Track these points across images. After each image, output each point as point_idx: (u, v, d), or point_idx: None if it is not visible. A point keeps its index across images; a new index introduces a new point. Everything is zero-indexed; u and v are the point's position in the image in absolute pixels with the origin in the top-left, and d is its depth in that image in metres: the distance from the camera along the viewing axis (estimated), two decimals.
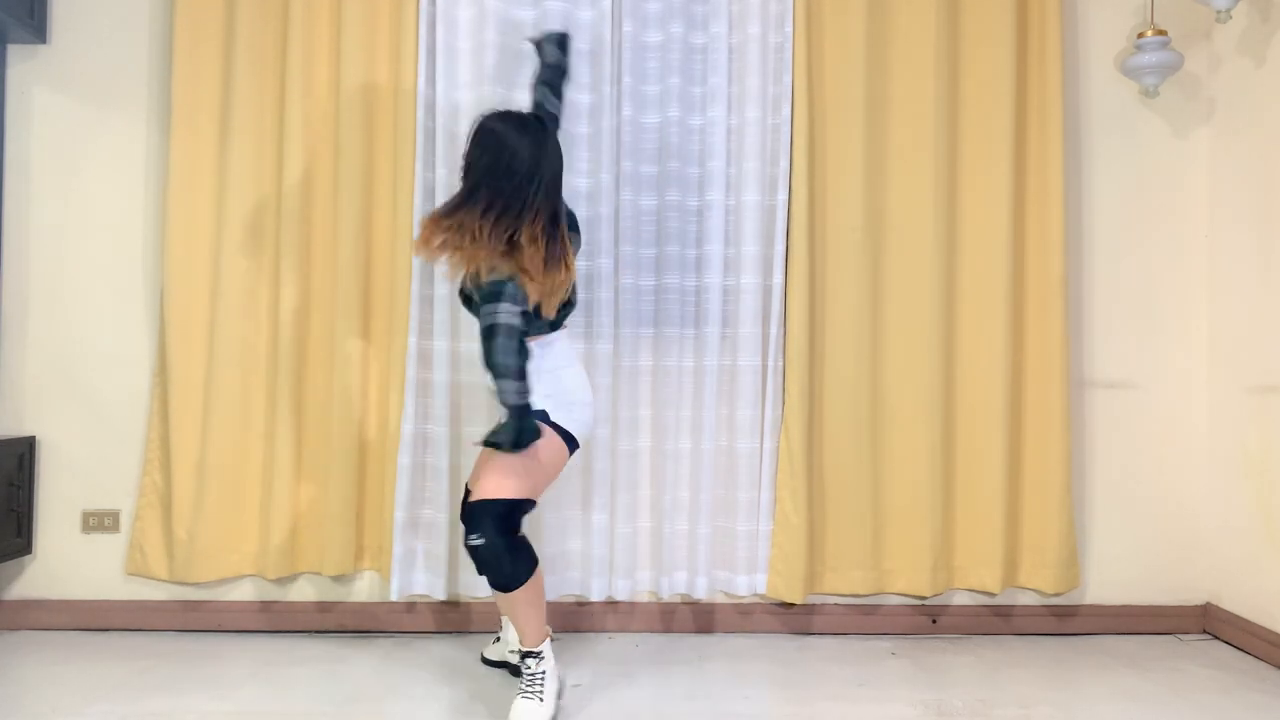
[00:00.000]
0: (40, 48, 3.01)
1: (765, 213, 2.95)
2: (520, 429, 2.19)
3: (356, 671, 2.64)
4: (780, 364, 2.94)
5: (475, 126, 2.30)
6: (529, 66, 2.96)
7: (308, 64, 2.92)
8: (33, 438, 2.98)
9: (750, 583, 2.93)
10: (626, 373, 2.96)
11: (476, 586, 2.90)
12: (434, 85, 2.93)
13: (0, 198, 2.99)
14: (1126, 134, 3.10)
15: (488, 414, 2.93)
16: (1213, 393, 3.06)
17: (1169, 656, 2.84)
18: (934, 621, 3.02)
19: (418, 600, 2.97)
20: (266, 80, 2.94)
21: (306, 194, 2.93)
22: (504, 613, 2.33)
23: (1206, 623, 3.05)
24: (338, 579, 2.98)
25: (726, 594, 3.01)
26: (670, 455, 2.95)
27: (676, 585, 2.95)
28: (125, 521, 2.99)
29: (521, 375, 2.20)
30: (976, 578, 2.97)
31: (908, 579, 2.95)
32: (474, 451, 2.90)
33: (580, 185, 2.94)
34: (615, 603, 2.98)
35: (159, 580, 2.94)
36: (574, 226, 2.46)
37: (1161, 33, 2.92)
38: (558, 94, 2.60)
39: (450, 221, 2.25)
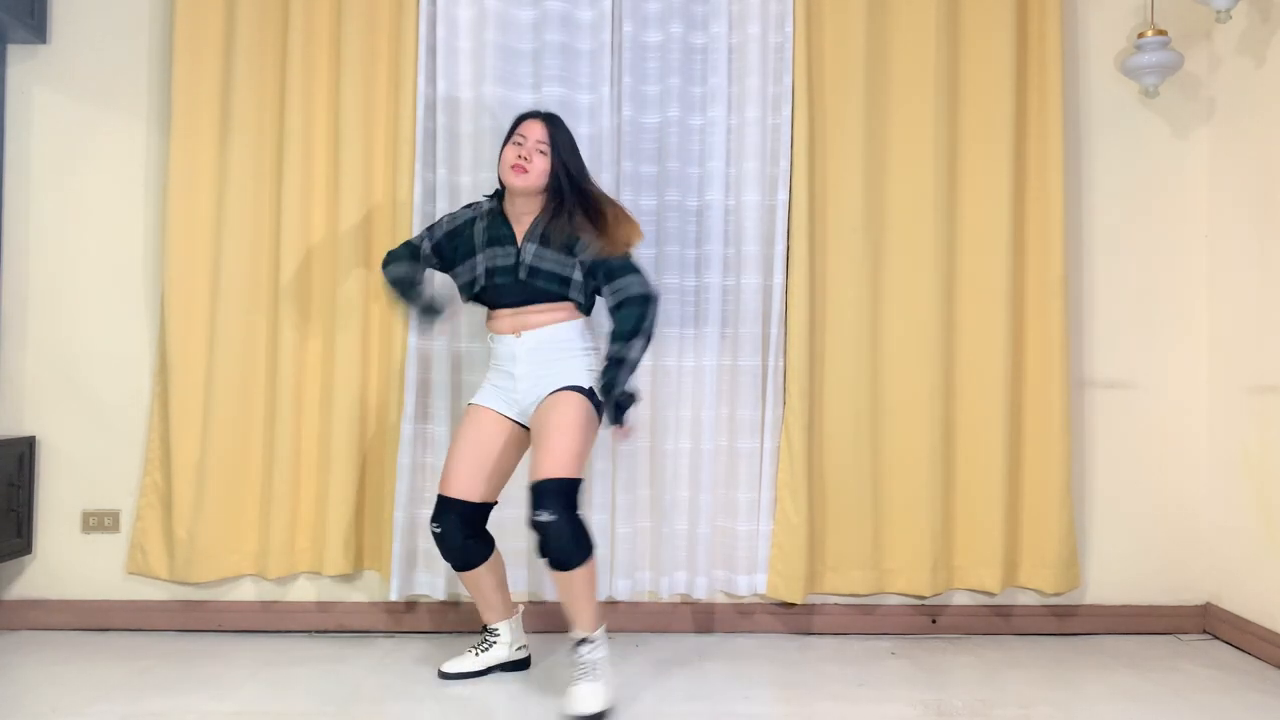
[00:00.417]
0: (40, 48, 3.01)
1: (765, 213, 2.96)
2: (633, 394, 2.43)
3: (356, 671, 2.64)
4: (780, 364, 2.94)
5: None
6: (528, 66, 2.97)
7: (308, 64, 2.92)
8: (33, 438, 2.98)
9: (750, 583, 2.93)
10: None
11: None
12: (434, 85, 2.93)
13: (0, 198, 2.99)
14: (1126, 134, 3.10)
15: None
16: (1213, 393, 3.06)
17: (1169, 656, 2.84)
18: (934, 621, 3.02)
19: (418, 600, 2.97)
20: (266, 80, 2.94)
21: (306, 194, 2.93)
22: (560, 597, 2.39)
23: (1206, 623, 3.05)
24: (338, 579, 2.98)
25: (727, 594, 3.01)
26: (670, 455, 2.95)
27: (676, 585, 2.96)
28: (125, 521, 2.99)
29: None
30: (976, 578, 2.97)
31: (908, 579, 2.95)
32: None
33: None
34: (615, 602, 2.98)
35: (160, 580, 2.94)
36: None
37: (1161, 33, 2.92)
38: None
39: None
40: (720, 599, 3.01)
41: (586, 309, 2.55)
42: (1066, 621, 3.04)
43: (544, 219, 2.48)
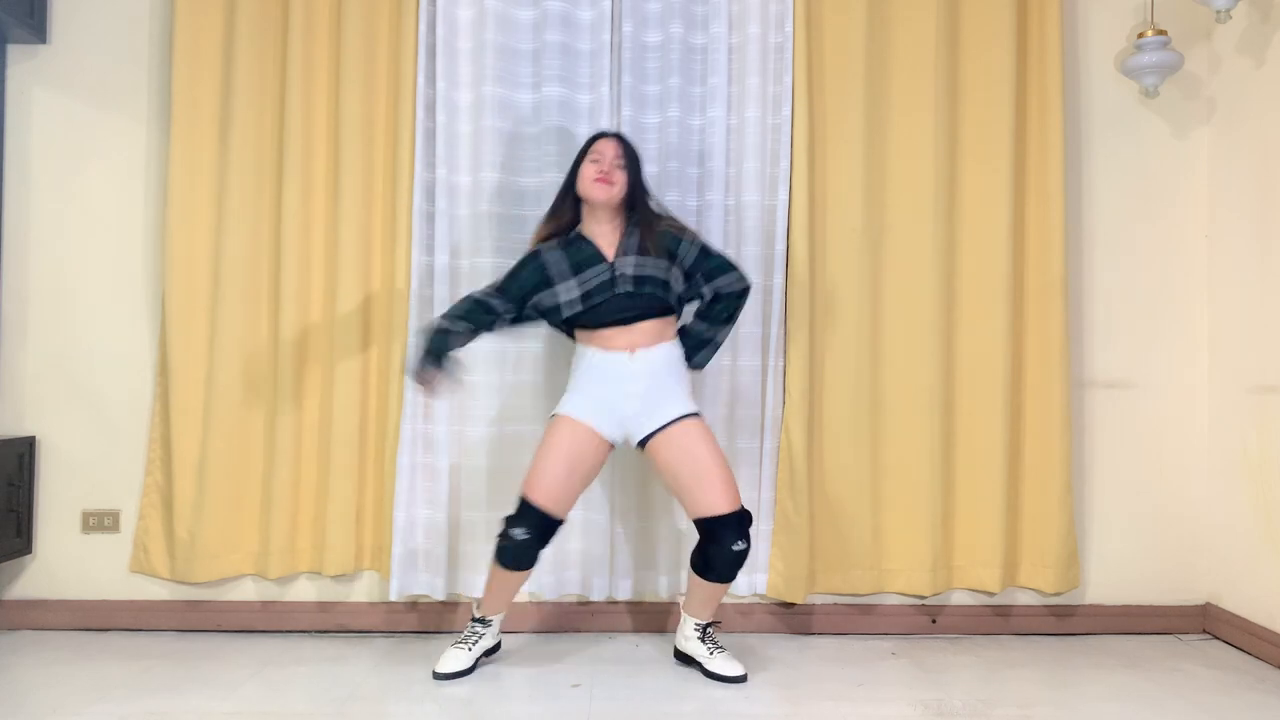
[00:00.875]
0: (40, 48, 3.01)
1: (765, 213, 2.95)
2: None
3: (356, 671, 2.64)
4: (780, 364, 2.94)
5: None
6: (528, 66, 2.97)
7: (308, 64, 2.92)
8: (33, 438, 2.98)
9: (750, 583, 2.93)
10: None
11: (476, 586, 2.90)
12: (434, 85, 2.93)
13: (0, 198, 2.99)
14: (1126, 134, 3.10)
15: (488, 414, 2.93)
16: (1213, 393, 3.06)
17: (1169, 656, 2.84)
18: (934, 621, 3.02)
19: (418, 600, 2.97)
20: (266, 80, 2.94)
21: (306, 194, 2.93)
22: (699, 594, 2.59)
23: (1206, 623, 3.05)
24: (338, 579, 2.98)
25: (727, 594, 3.00)
26: None
27: (677, 585, 2.96)
28: (125, 521, 2.99)
29: None
30: (976, 577, 2.97)
31: (907, 579, 2.95)
32: (474, 453, 2.91)
33: None
34: (615, 602, 2.98)
35: (161, 579, 2.94)
36: None
37: (1161, 33, 2.92)
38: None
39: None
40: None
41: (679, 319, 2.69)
42: (1066, 621, 3.04)
43: (636, 230, 2.58)
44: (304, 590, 2.99)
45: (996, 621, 3.04)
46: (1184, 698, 2.50)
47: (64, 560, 2.99)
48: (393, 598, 2.86)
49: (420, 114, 2.90)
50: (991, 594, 3.01)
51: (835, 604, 3.01)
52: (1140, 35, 2.94)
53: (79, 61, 3.02)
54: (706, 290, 2.63)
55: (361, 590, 3.00)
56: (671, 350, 2.60)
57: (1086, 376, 3.07)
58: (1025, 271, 3.00)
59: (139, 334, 3.00)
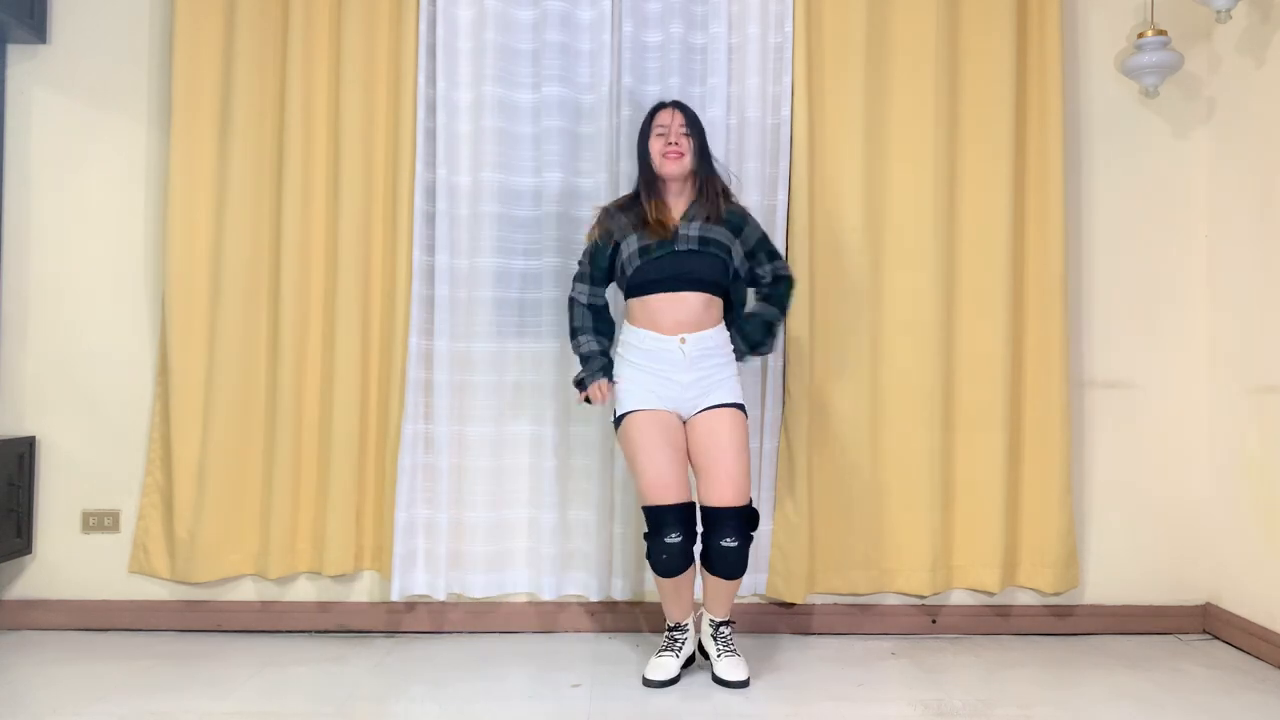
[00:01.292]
0: (40, 48, 3.01)
1: (765, 212, 2.95)
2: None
3: (356, 671, 2.64)
4: (781, 364, 2.94)
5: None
6: (528, 66, 2.97)
7: (308, 64, 2.92)
8: (33, 438, 2.98)
9: (750, 583, 2.93)
10: None
11: (476, 587, 2.90)
12: (434, 85, 2.93)
13: (0, 198, 2.99)
14: (1126, 134, 3.10)
15: (488, 414, 2.93)
16: (1213, 393, 3.06)
17: (1169, 656, 2.84)
18: (934, 621, 3.02)
19: (418, 600, 2.97)
20: (266, 80, 2.94)
21: (306, 194, 2.93)
22: (708, 591, 2.56)
23: (1206, 623, 3.05)
24: (338, 579, 2.98)
25: None
26: None
27: None
28: (125, 521, 2.99)
29: None
30: (976, 577, 2.97)
31: (907, 579, 2.95)
32: (474, 453, 2.91)
33: (581, 185, 2.94)
34: (615, 602, 2.98)
35: (161, 579, 2.94)
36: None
37: (1161, 33, 2.92)
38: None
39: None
40: None
41: (728, 304, 2.67)
42: (1066, 621, 3.04)
43: (702, 200, 2.60)
44: (304, 590, 2.99)
45: (996, 621, 3.04)
46: (1184, 698, 2.50)
47: (64, 560, 2.99)
48: (393, 598, 2.86)
49: (420, 114, 2.90)
50: (991, 594, 3.01)
51: (835, 604, 3.01)
52: (1140, 35, 2.94)
53: (79, 61, 3.02)
54: (768, 270, 2.66)
55: (361, 590, 3.00)
56: (719, 335, 2.58)
57: (1086, 376, 3.07)
58: (1025, 271, 3.00)
59: (139, 334, 3.00)
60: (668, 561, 2.46)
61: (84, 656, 2.73)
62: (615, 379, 2.59)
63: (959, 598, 3.04)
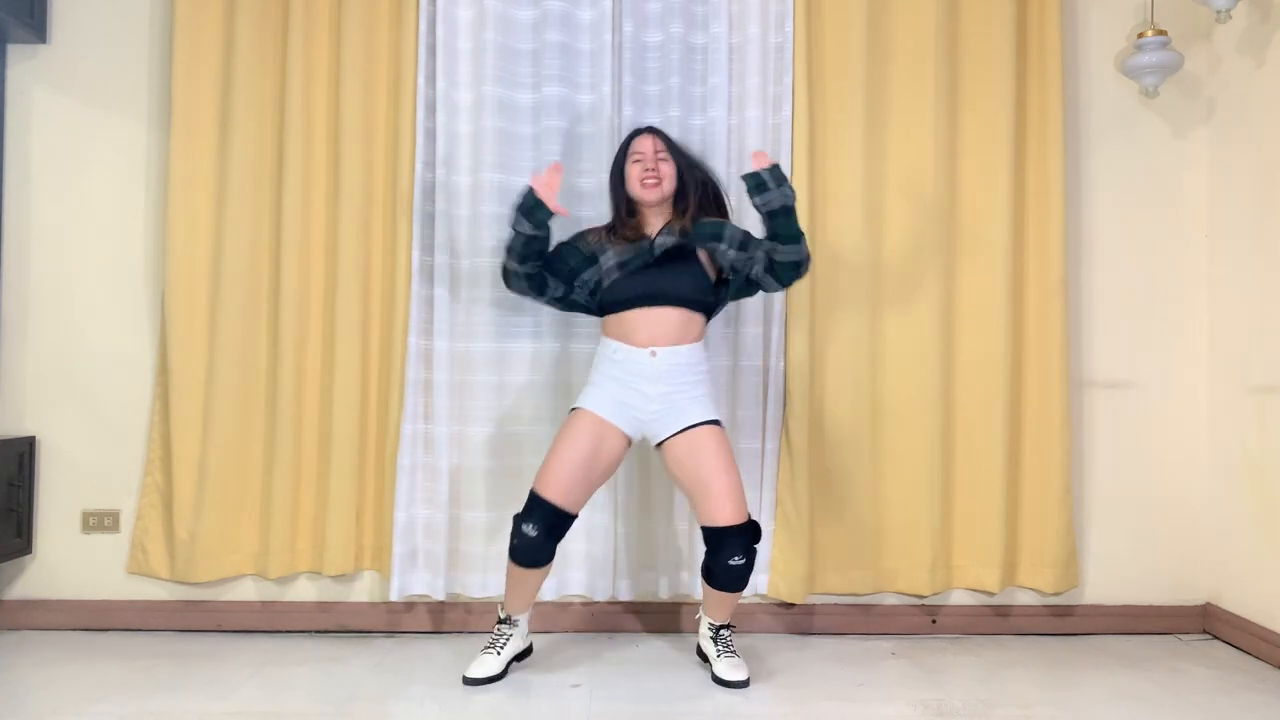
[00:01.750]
0: (40, 48, 3.01)
1: None
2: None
3: (356, 671, 2.63)
4: (781, 365, 2.94)
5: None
6: (528, 66, 2.97)
7: (308, 64, 2.92)
8: (33, 438, 2.98)
9: (750, 583, 2.90)
10: None
11: (475, 587, 2.90)
12: (434, 85, 2.93)
13: (0, 198, 2.98)
14: (1126, 134, 3.10)
15: (488, 414, 2.93)
16: (1213, 393, 3.06)
17: (1169, 656, 2.84)
18: (933, 621, 3.02)
19: (418, 600, 2.97)
20: (266, 80, 2.94)
21: (306, 194, 2.93)
22: (711, 599, 2.57)
23: (1206, 623, 3.05)
24: (338, 579, 2.98)
25: None
26: None
27: (677, 585, 2.96)
28: (125, 521, 2.99)
29: None
30: (976, 577, 2.97)
31: (907, 578, 2.95)
32: (474, 453, 2.91)
33: (582, 185, 2.94)
34: (615, 602, 2.98)
35: (161, 580, 2.94)
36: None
37: (1161, 33, 2.92)
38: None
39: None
40: None
41: (708, 318, 2.64)
42: (1066, 621, 3.04)
43: (678, 215, 2.60)
44: (304, 590, 2.99)
45: (996, 621, 3.04)
46: (1184, 698, 2.50)
47: (64, 560, 2.98)
48: (393, 598, 2.86)
49: (420, 114, 2.91)
50: (991, 594, 3.01)
51: (835, 604, 3.01)
52: (1140, 35, 2.94)
53: (79, 61, 3.01)
54: (765, 247, 2.50)
55: (361, 590, 3.00)
56: (695, 352, 2.56)
57: (1086, 376, 3.07)
58: (1025, 271, 3.01)
59: (139, 334, 3.00)
60: (519, 550, 2.47)
61: (84, 656, 2.73)
62: (588, 383, 2.58)
63: (959, 598, 3.04)
